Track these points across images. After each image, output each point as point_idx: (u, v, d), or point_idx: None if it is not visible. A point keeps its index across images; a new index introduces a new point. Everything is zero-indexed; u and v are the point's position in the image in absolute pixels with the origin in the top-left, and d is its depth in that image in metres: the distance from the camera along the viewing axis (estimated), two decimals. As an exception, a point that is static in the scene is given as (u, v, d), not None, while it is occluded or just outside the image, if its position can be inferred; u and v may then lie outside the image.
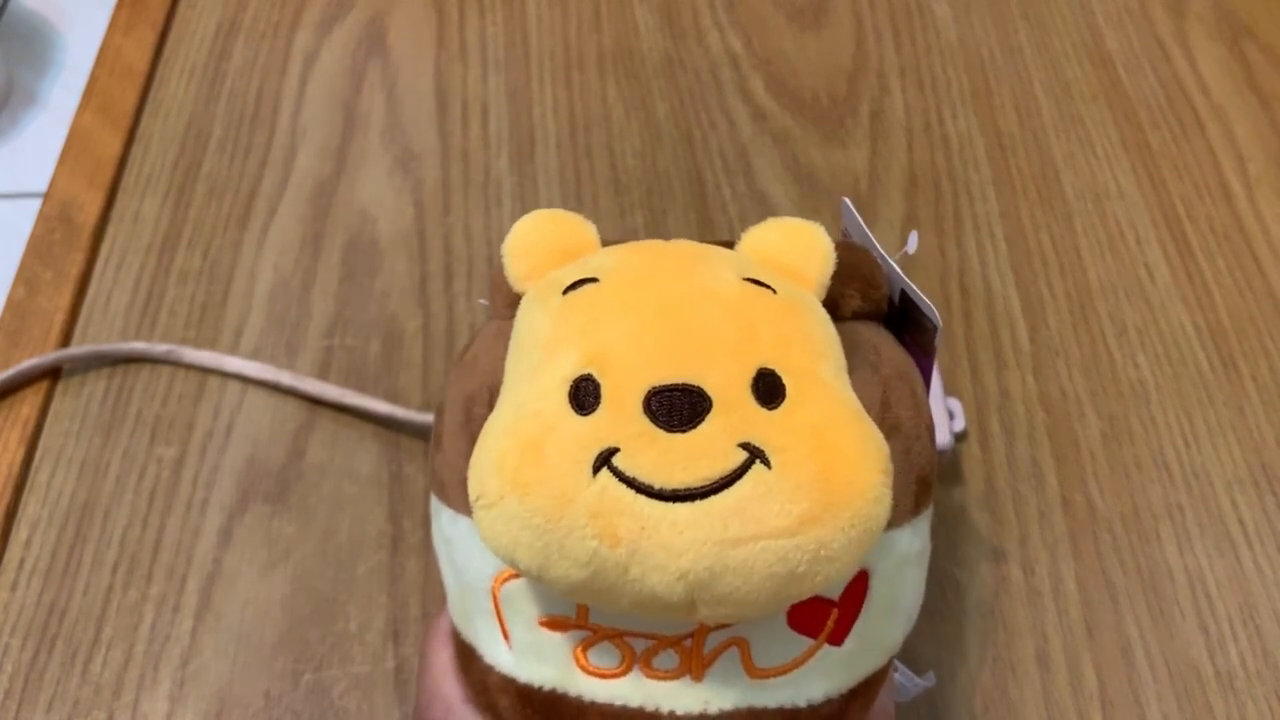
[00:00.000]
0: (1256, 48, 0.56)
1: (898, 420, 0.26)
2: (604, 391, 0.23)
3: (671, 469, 0.22)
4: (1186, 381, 0.44)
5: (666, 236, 0.28)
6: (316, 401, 0.43)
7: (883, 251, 0.30)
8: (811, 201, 0.50)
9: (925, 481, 0.28)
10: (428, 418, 0.41)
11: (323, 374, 0.44)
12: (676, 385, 0.22)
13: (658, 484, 0.22)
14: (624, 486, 0.22)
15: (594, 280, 0.25)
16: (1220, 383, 0.44)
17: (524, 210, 0.49)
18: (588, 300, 0.25)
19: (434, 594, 0.39)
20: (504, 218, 0.49)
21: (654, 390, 0.22)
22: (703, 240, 0.28)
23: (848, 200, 0.31)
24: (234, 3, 0.58)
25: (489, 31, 0.57)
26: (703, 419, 0.22)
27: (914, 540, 0.28)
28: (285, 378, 0.43)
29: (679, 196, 0.50)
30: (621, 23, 0.57)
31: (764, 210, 0.49)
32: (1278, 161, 0.52)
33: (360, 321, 0.46)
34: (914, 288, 0.29)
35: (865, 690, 0.27)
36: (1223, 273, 0.48)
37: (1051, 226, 0.49)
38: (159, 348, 0.44)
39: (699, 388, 0.22)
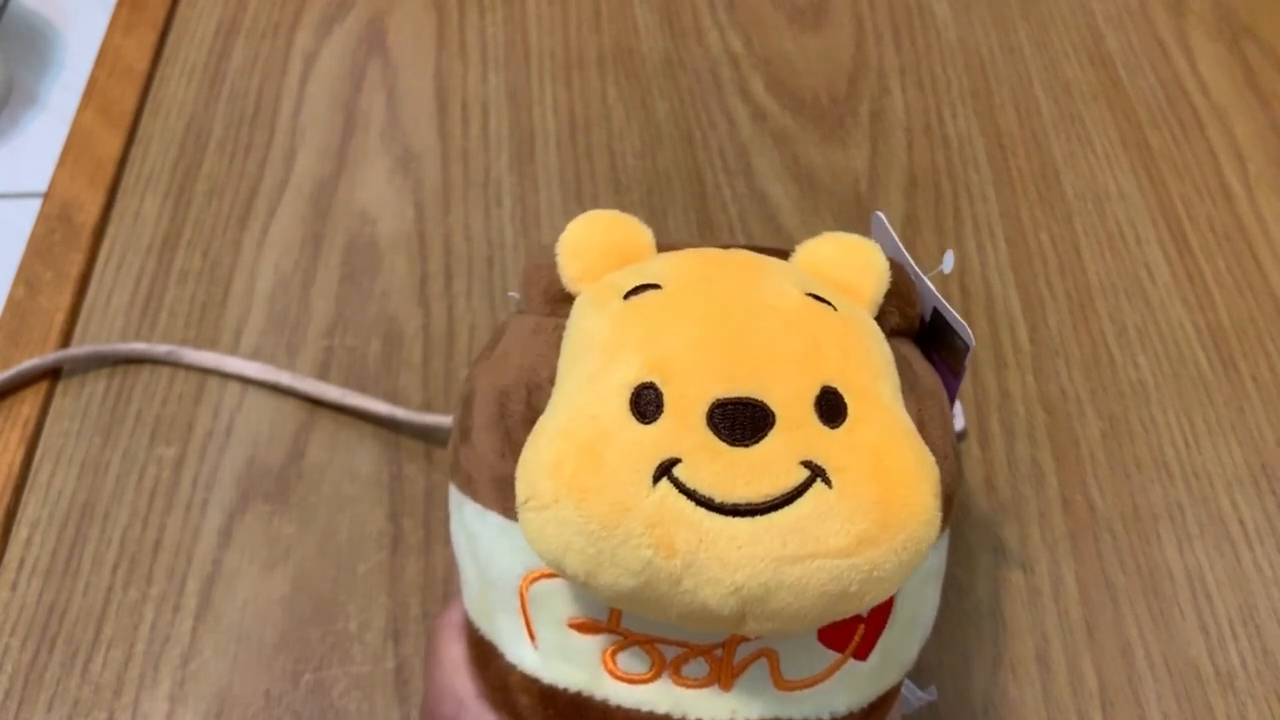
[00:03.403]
0: (1256, 48, 0.56)
1: (930, 439, 0.26)
2: (666, 401, 0.22)
3: (733, 483, 0.22)
4: (1186, 381, 0.44)
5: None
6: (316, 402, 0.43)
7: (916, 268, 0.30)
8: (811, 202, 0.50)
9: (950, 500, 0.28)
10: (428, 418, 0.41)
11: (323, 374, 0.44)
12: (740, 399, 0.22)
13: (719, 497, 0.22)
14: (684, 498, 0.22)
15: (656, 286, 0.25)
16: (1220, 383, 0.44)
17: (524, 210, 0.49)
18: (650, 307, 0.24)
19: (434, 594, 0.39)
20: (504, 218, 0.49)
21: (718, 402, 0.22)
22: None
23: (880, 214, 0.31)
24: (234, 3, 0.58)
25: (489, 31, 0.57)
26: (765, 434, 0.22)
27: (935, 557, 0.28)
28: (285, 378, 0.43)
29: (679, 196, 0.50)
30: (621, 23, 0.57)
31: (764, 210, 0.49)
32: (1278, 161, 0.52)
33: (360, 321, 0.46)
34: (948, 306, 0.29)
35: (883, 705, 0.27)
36: (1223, 273, 0.48)
37: (1051, 226, 0.49)
38: (159, 348, 0.44)
39: (762, 402, 0.22)
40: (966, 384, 0.44)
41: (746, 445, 0.22)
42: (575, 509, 0.22)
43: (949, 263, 0.31)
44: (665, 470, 0.22)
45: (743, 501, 0.22)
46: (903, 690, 0.32)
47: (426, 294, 0.47)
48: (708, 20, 0.58)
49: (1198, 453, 0.43)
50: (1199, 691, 0.37)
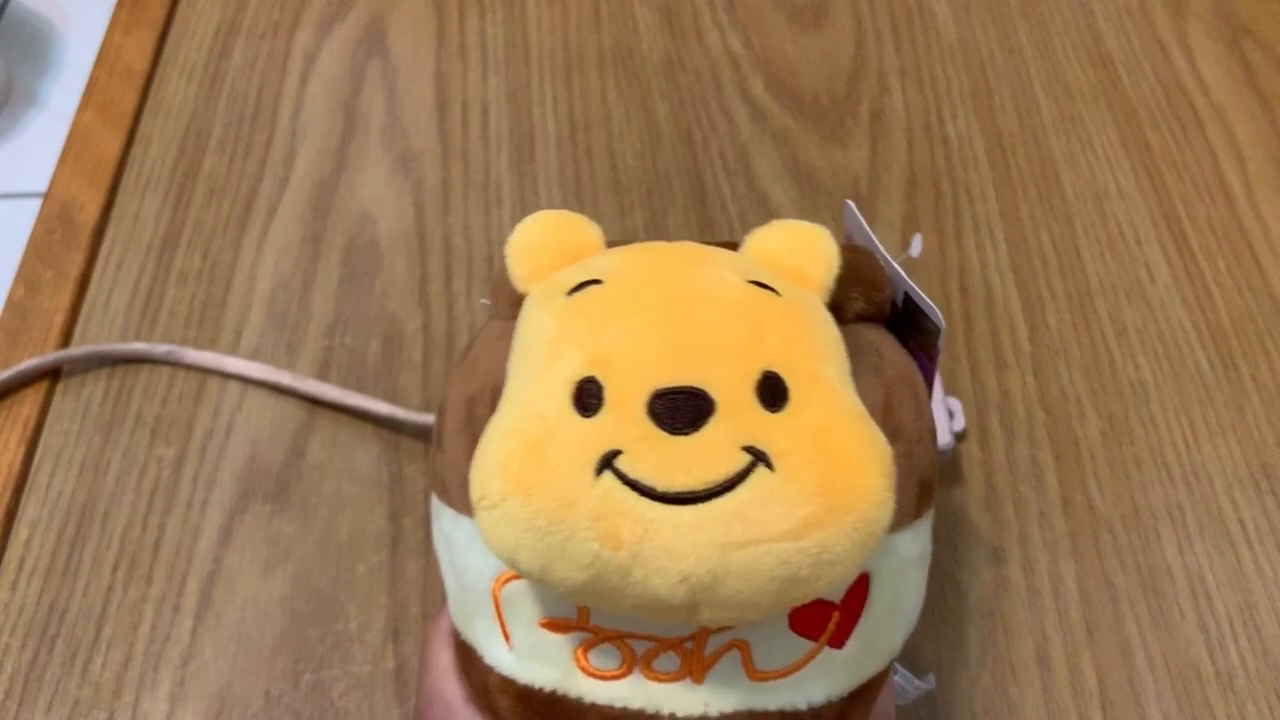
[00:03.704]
0: (1256, 48, 0.56)
1: (900, 423, 0.26)
2: (607, 393, 0.22)
3: (674, 472, 0.22)
4: (1186, 381, 0.44)
5: (666, 237, 0.28)
6: (316, 401, 0.43)
7: (885, 254, 0.30)
8: (811, 201, 0.50)
9: (927, 484, 0.28)
10: (428, 418, 0.41)
11: (323, 374, 0.44)
12: (680, 388, 0.22)
13: (660, 486, 0.22)
14: (627, 489, 0.22)
15: (598, 282, 0.25)
16: (1220, 383, 0.44)
17: (524, 210, 0.49)
18: (592, 302, 0.25)
19: (434, 594, 0.39)
20: (504, 218, 0.49)
21: (657, 393, 0.22)
22: (703, 240, 0.28)
23: (850, 203, 0.31)
24: (234, 3, 0.58)
25: (489, 31, 0.57)
26: (706, 422, 0.22)
27: (915, 543, 0.28)
28: (285, 378, 0.43)
29: (679, 196, 0.50)
30: (621, 23, 0.57)
31: (764, 210, 0.49)
32: (1278, 161, 0.52)
33: (360, 321, 0.46)
34: (917, 290, 0.29)
35: (866, 693, 0.27)
36: (1223, 273, 0.48)
37: (1051, 226, 0.49)
38: (159, 348, 0.44)
39: (702, 390, 0.22)
40: (966, 384, 0.44)
41: (687, 434, 0.22)
42: (522, 505, 0.22)
43: (917, 246, 0.31)
44: (607, 462, 0.22)
45: (685, 490, 0.22)
46: (899, 680, 0.32)
47: (426, 294, 0.47)
48: (708, 20, 0.58)
49: (1198, 453, 0.43)
50: (1199, 691, 0.37)
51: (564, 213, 0.27)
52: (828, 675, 0.26)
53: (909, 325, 0.30)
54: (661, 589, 0.22)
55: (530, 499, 0.22)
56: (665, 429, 0.22)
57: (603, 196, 0.50)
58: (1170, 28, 0.57)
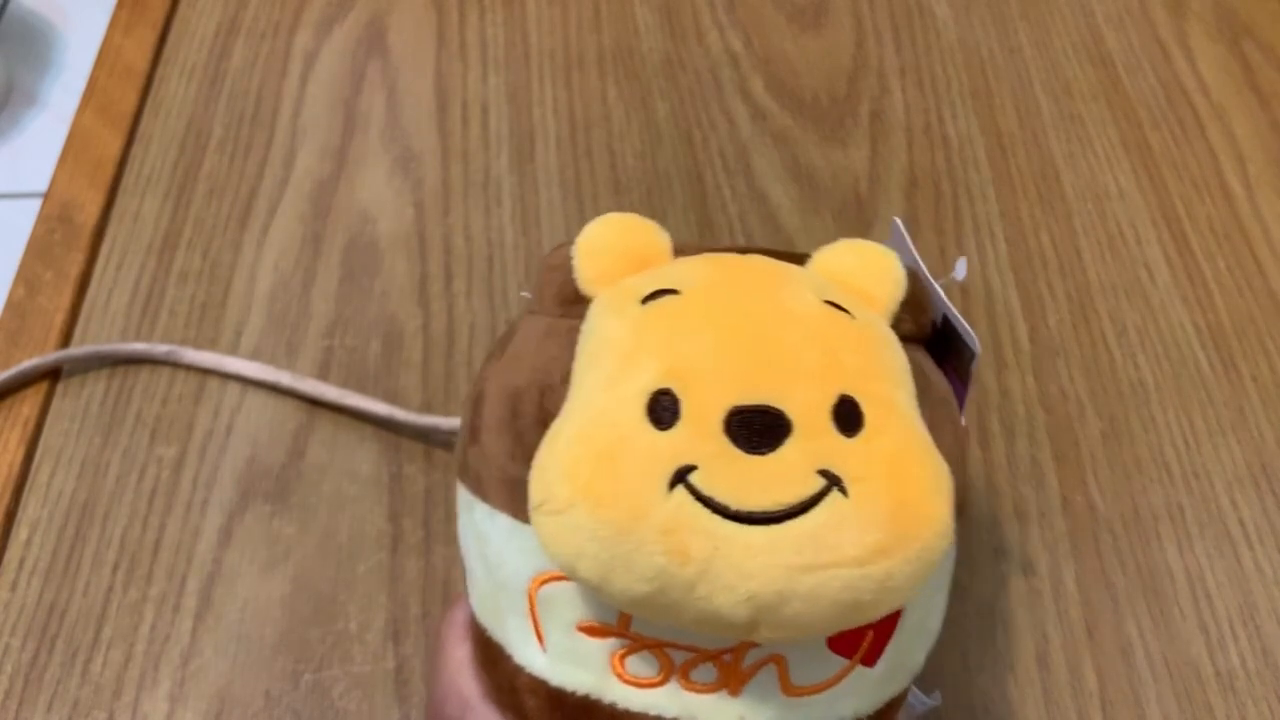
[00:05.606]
0: (1256, 48, 0.56)
1: (941, 447, 0.26)
2: (683, 407, 0.22)
3: (749, 491, 0.22)
4: (1186, 381, 0.44)
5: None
6: (316, 402, 0.43)
7: (929, 275, 0.30)
8: (812, 202, 0.50)
9: (960, 507, 0.28)
10: (428, 418, 0.41)
11: (323, 374, 0.44)
12: (758, 406, 0.22)
13: (734, 505, 0.22)
14: (699, 505, 0.22)
15: (674, 292, 0.25)
16: (1220, 383, 0.44)
17: (524, 210, 0.49)
18: (668, 312, 0.24)
19: (434, 594, 0.39)
20: (504, 218, 0.49)
21: (735, 410, 0.22)
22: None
23: (898, 220, 0.31)
24: (234, 3, 0.58)
25: (489, 31, 0.57)
26: (782, 442, 0.22)
27: (945, 565, 0.28)
28: (285, 378, 0.43)
29: (679, 196, 0.50)
30: (621, 23, 0.57)
31: (764, 210, 0.49)
32: (1278, 161, 0.52)
33: (360, 321, 0.46)
34: (956, 313, 0.29)
35: (889, 711, 0.27)
36: (1223, 273, 0.48)
37: (1051, 226, 0.49)
38: (159, 348, 0.44)
39: (780, 410, 0.22)
40: (966, 384, 0.44)
41: (763, 453, 0.22)
42: (590, 514, 0.22)
43: (961, 270, 0.31)
44: (681, 477, 0.22)
45: (758, 510, 0.22)
46: (908, 697, 0.32)
47: (426, 294, 0.47)
48: (708, 20, 0.58)
49: (1198, 453, 0.43)
50: (1199, 691, 0.37)
51: (633, 216, 0.27)
52: (858, 693, 0.26)
53: (944, 347, 0.30)
54: (724, 607, 0.22)
55: (600, 508, 0.22)
56: (741, 447, 0.22)
57: (603, 196, 0.50)
58: (1170, 28, 0.57)
